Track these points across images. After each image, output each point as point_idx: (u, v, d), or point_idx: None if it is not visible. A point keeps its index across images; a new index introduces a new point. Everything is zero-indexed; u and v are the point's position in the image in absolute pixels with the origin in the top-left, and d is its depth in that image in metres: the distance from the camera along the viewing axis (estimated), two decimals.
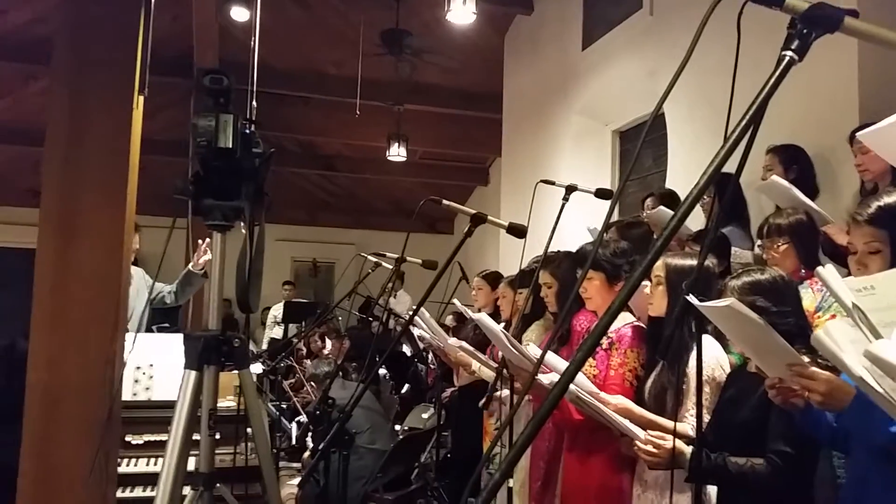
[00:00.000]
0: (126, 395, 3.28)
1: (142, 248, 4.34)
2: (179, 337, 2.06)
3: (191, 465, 1.99)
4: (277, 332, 9.32)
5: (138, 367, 3.52)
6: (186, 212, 1.97)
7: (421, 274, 3.58)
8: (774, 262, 2.74)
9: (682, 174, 4.81)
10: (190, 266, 4.38)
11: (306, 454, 4.92)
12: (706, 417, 2.15)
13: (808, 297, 2.60)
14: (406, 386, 6.68)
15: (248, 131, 1.95)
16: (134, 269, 4.18)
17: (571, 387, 1.63)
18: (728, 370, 2.30)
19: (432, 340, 4.18)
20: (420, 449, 4.98)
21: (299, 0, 7.39)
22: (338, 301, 5.47)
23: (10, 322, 3.94)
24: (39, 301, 2.54)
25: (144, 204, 2.82)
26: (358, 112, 7.35)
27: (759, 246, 3.08)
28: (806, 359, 1.74)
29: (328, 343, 7.54)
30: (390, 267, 3.69)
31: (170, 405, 1.98)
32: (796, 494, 1.96)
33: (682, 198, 3.58)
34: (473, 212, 2.50)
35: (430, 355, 6.11)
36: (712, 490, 2.19)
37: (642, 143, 1.89)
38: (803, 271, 2.75)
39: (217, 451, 2.07)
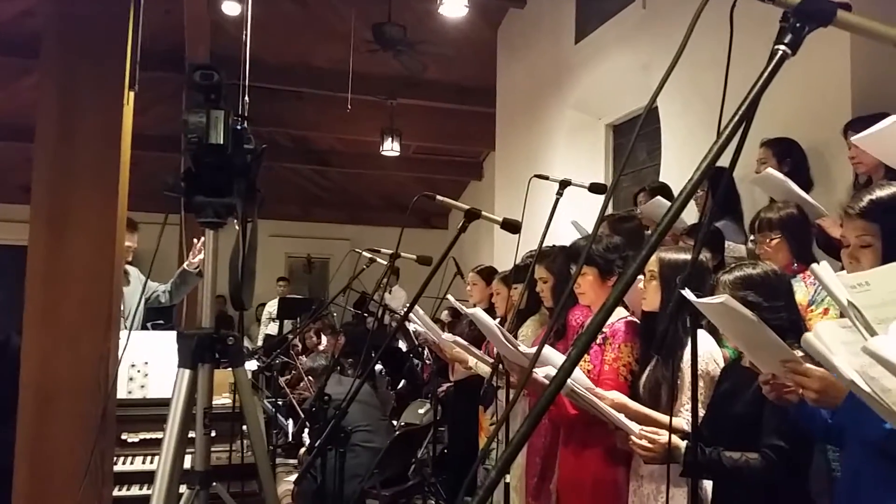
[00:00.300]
0: (121, 393, 3.27)
1: (138, 246, 4.32)
2: (174, 334, 2.05)
3: (186, 463, 1.99)
4: (272, 329, 9.31)
5: (133, 365, 3.51)
6: (178, 208, 1.96)
7: (415, 269, 3.57)
8: (767, 257, 2.75)
9: (676, 168, 4.81)
10: (185, 265, 4.36)
11: (302, 450, 4.91)
12: (700, 412, 2.16)
13: (801, 291, 2.60)
14: (402, 381, 6.67)
15: (239, 127, 1.94)
16: (130, 268, 4.16)
17: (567, 381, 1.62)
18: (722, 364, 2.30)
19: (427, 336, 4.18)
20: (417, 445, 4.98)
21: None
22: (333, 297, 5.47)
23: (3, 319, 3.93)
24: (32, 298, 2.52)
25: (136, 199, 2.80)
26: (349, 106, 7.33)
27: (751, 241, 3.09)
28: (799, 353, 1.74)
29: (323, 339, 7.53)
30: (385, 263, 3.68)
31: (165, 403, 1.97)
32: (791, 488, 1.97)
33: (675, 192, 3.59)
34: (467, 207, 2.50)
35: (426, 351, 6.11)
36: (708, 484, 2.20)
37: (636, 138, 1.89)
38: (796, 265, 2.75)
39: (213, 449, 2.07)
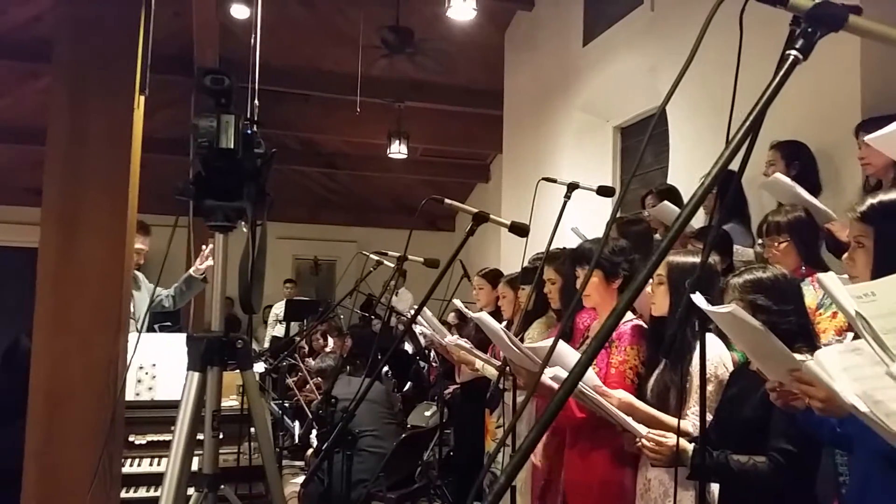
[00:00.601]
0: (129, 395, 3.27)
1: (148, 250, 4.31)
2: (182, 336, 2.06)
3: (194, 465, 2.00)
4: (279, 331, 9.32)
5: (141, 367, 3.52)
6: (187, 212, 1.97)
7: (422, 271, 3.58)
8: (775, 260, 2.75)
9: (684, 170, 4.80)
10: (191, 270, 4.35)
11: (310, 451, 4.92)
12: (709, 416, 2.15)
13: (810, 294, 2.60)
14: (408, 384, 6.68)
15: (249, 131, 1.95)
16: (137, 273, 4.16)
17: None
18: (731, 368, 2.30)
19: (434, 337, 4.18)
20: (423, 447, 4.98)
21: None
22: (340, 300, 5.48)
23: (12, 322, 3.94)
24: (42, 301, 2.53)
25: (144, 202, 2.81)
26: (358, 109, 7.34)
27: (759, 244, 3.08)
28: (809, 356, 1.74)
29: (330, 341, 7.54)
30: (392, 265, 3.69)
31: (172, 405, 1.98)
32: (798, 492, 1.96)
33: (683, 194, 3.59)
34: (475, 210, 2.50)
35: (433, 353, 6.11)
36: (716, 487, 2.19)
37: (647, 141, 1.88)
38: (804, 268, 2.75)
39: (220, 451, 2.07)
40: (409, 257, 3.34)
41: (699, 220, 3.69)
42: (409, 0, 7.05)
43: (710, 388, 2.20)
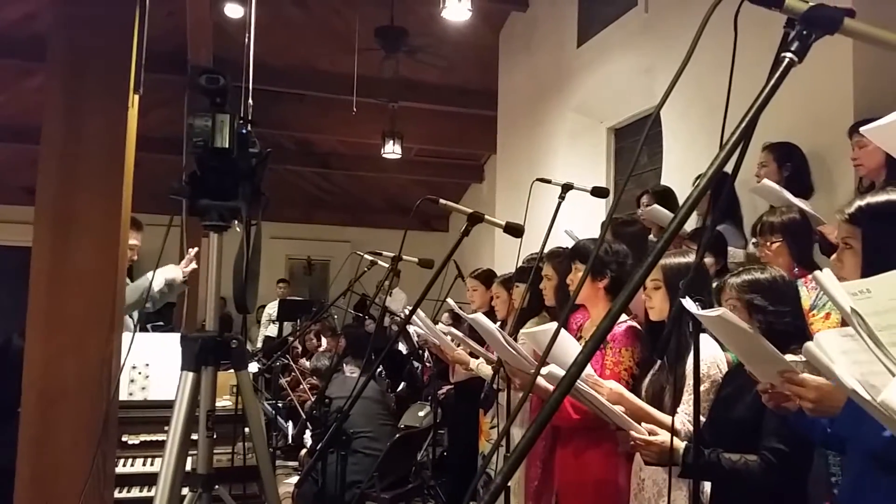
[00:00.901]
0: (122, 395, 3.26)
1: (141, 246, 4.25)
2: (175, 336, 2.06)
3: (188, 465, 1.99)
4: (272, 331, 9.30)
5: (134, 367, 3.51)
6: (181, 211, 1.96)
7: (415, 271, 3.58)
8: (767, 260, 2.76)
9: (677, 171, 4.81)
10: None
11: (303, 451, 4.92)
12: (702, 417, 2.16)
13: (803, 295, 2.61)
14: (402, 384, 6.68)
15: (244, 131, 1.95)
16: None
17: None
18: (726, 369, 2.30)
19: (428, 337, 4.19)
20: (416, 448, 4.98)
21: None
22: (334, 300, 5.48)
23: (6, 321, 3.93)
24: (35, 300, 2.52)
25: (137, 200, 2.80)
26: (355, 109, 7.34)
27: (753, 243, 3.09)
28: (799, 358, 1.75)
29: (324, 341, 7.53)
30: (386, 265, 3.69)
31: (166, 405, 1.98)
32: (790, 491, 1.97)
33: (678, 195, 3.58)
34: (470, 211, 2.50)
35: (426, 353, 6.11)
36: (710, 487, 2.20)
37: (642, 144, 1.89)
38: (796, 270, 2.76)
39: (214, 451, 2.07)
40: (404, 257, 3.34)
41: (691, 222, 3.71)
42: (404, 0, 7.05)
43: (704, 387, 2.21)
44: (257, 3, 4.22)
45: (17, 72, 7.46)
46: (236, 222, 1.99)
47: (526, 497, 3.18)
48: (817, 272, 1.29)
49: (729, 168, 1.06)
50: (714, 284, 2.25)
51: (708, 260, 3.15)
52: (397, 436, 4.40)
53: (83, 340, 2.49)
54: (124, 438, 3.32)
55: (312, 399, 4.90)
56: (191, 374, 1.94)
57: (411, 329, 5.45)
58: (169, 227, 1.98)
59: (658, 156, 5.26)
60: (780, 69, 1.00)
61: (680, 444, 2.05)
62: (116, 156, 2.61)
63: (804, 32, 1.02)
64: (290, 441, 5.31)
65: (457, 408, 4.78)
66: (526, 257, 3.55)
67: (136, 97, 2.72)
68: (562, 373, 2.08)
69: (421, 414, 5.63)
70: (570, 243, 3.45)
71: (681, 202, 1.03)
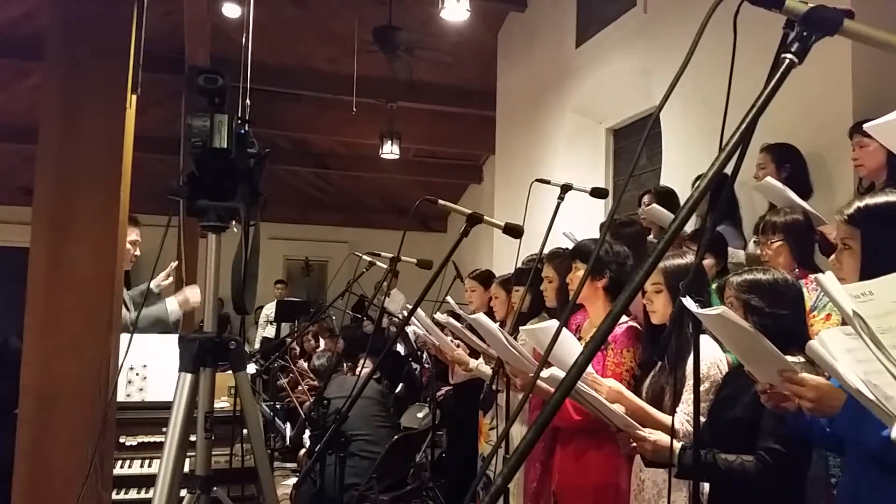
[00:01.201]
0: (120, 396, 3.25)
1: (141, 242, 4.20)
2: (172, 337, 2.05)
3: (186, 467, 1.98)
4: (270, 332, 9.29)
5: (131, 368, 3.49)
6: (178, 212, 1.96)
7: (414, 272, 3.57)
8: (767, 259, 2.77)
9: (677, 172, 4.81)
10: (151, 283, 3.93)
11: (302, 452, 4.91)
12: (702, 418, 2.15)
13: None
14: (400, 385, 6.67)
15: (242, 131, 1.94)
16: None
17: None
18: (726, 370, 2.30)
19: (427, 338, 4.18)
20: (415, 449, 4.97)
21: None
22: (332, 300, 5.47)
23: (4, 322, 3.91)
24: (33, 302, 2.51)
25: (135, 201, 2.79)
26: (354, 109, 7.33)
27: (754, 242, 3.09)
28: (799, 359, 1.75)
29: (322, 342, 7.53)
30: (385, 266, 3.68)
31: (163, 406, 1.97)
32: (787, 492, 1.97)
33: (679, 196, 3.58)
34: (469, 211, 2.50)
35: (425, 354, 6.11)
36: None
37: (644, 143, 1.89)
38: (797, 270, 2.76)
39: (212, 453, 2.06)
40: (403, 258, 3.33)
41: (691, 223, 3.71)
42: (403, 0, 7.05)
43: (703, 388, 2.21)
44: (255, 2, 4.22)
45: (15, 71, 7.44)
46: (234, 223, 1.98)
47: (525, 498, 3.17)
48: (819, 275, 1.29)
49: (728, 169, 1.06)
50: (714, 285, 2.25)
51: (708, 261, 3.15)
52: (396, 437, 4.39)
53: (81, 341, 2.49)
54: (122, 440, 3.30)
55: (311, 400, 4.90)
56: (189, 376, 1.93)
57: (410, 330, 5.44)
58: (167, 227, 1.97)
59: (657, 156, 5.26)
60: (781, 70, 1.00)
61: (676, 445, 2.04)
62: (114, 156, 2.60)
63: (804, 33, 1.02)
64: (287, 443, 5.30)
65: (456, 409, 4.78)
66: (525, 258, 3.54)
67: (134, 97, 2.71)
68: (563, 375, 2.08)
69: (419, 415, 5.63)
70: (568, 245, 3.45)
71: (681, 203, 1.03)
